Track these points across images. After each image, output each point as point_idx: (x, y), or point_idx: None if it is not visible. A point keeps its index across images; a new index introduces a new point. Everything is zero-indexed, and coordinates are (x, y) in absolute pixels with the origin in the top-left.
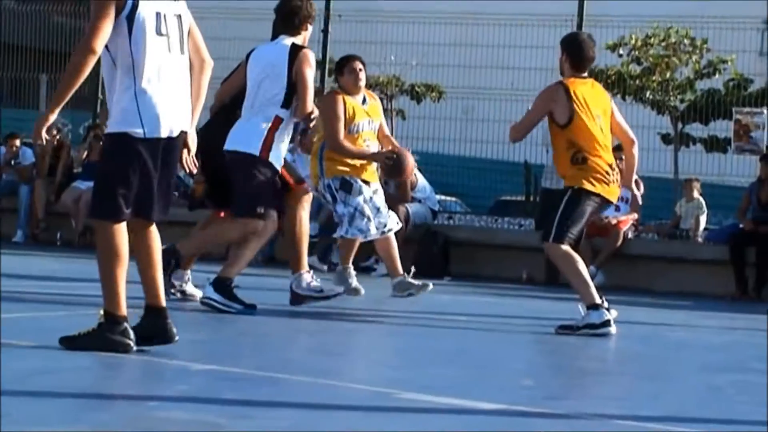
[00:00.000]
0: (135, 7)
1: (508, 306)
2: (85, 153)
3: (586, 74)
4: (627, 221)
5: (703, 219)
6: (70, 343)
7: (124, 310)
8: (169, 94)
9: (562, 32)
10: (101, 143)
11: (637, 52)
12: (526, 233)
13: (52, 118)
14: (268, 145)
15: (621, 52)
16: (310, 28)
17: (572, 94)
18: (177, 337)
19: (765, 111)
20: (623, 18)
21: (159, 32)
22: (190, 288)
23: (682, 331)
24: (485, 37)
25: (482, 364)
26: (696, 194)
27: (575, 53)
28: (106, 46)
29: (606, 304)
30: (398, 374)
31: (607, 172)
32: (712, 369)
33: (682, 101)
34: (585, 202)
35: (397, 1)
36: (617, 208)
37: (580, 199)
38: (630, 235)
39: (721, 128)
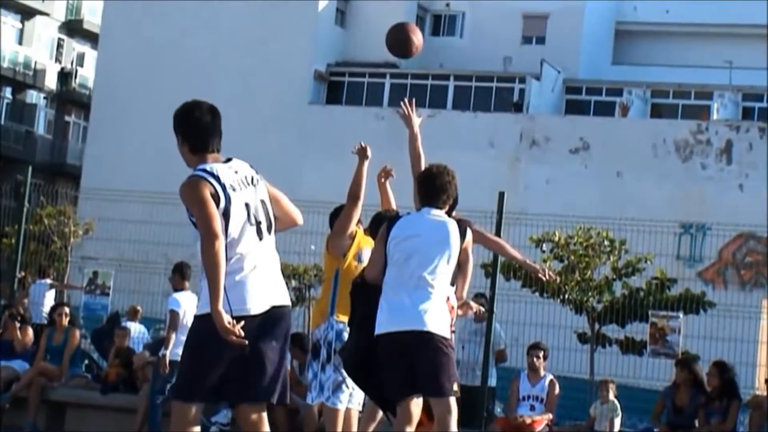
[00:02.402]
0: (228, 203)
1: None
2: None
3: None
4: (541, 421)
5: (617, 421)
6: None
7: None
8: (258, 275)
9: None
10: (16, 322)
11: (560, 250)
12: None
13: (225, 315)
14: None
15: (544, 248)
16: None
17: None
18: None
19: (681, 315)
20: (542, 217)
21: (251, 222)
22: None
23: None
24: None
25: None
26: (611, 396)
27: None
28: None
29: None
30: None
31: None
32: None
33: (599, 302)
34: None
35: (319, 191)
36: (532, 408)
37: None
38: None
39: (638, 330)
